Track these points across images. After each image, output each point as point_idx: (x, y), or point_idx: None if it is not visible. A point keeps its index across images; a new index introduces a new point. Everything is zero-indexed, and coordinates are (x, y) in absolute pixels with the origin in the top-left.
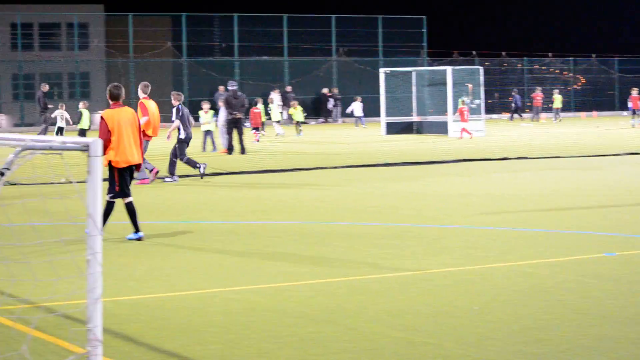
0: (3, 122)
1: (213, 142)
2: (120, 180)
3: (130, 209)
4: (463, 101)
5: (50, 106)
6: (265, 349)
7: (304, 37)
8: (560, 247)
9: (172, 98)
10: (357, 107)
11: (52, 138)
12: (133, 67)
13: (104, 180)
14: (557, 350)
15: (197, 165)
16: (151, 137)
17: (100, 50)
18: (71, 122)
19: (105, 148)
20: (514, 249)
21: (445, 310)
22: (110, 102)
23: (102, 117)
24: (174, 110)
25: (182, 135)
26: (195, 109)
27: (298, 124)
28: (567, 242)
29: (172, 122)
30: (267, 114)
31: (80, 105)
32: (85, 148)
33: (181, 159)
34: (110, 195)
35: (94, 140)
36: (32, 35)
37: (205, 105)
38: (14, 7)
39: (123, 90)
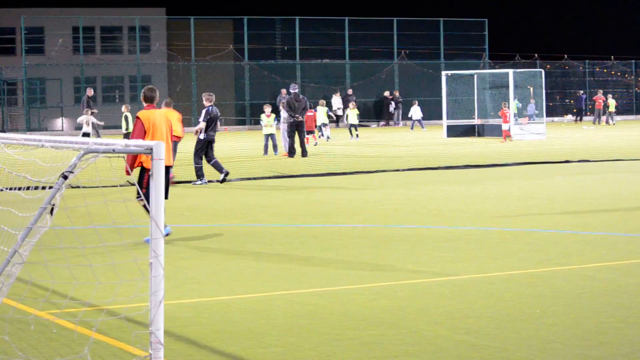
0: (65, 125)
1: (275, 145)
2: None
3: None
4: (505, 103)
5: (94, 110)
6: (326, 352)
7: (365, 40)
8: (622, 251)
9: (204, 99)
10: (415, 111)
11: (115, 141)
12: (195, 71)
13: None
14: (619, 354)
15: (201, 176)
16: (180, 137)
17: (162, 53)
18: (101, 124)
19: None
20: (576, 252)
21: (508, 313)
22: (144, 104)
23: (137, 117)
24: (204, 111)
25: (202, 136)
26: (256, 112)
27: (352, 127)
28: (630, 246)
29: (199, 122)
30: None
31: (123, 108)
32: (149, 151)
33: (195, 160)
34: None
35: (157, 143)
36: (93, 38)
37: (267, 109)
38: (76, 11)
39: (157, 93)
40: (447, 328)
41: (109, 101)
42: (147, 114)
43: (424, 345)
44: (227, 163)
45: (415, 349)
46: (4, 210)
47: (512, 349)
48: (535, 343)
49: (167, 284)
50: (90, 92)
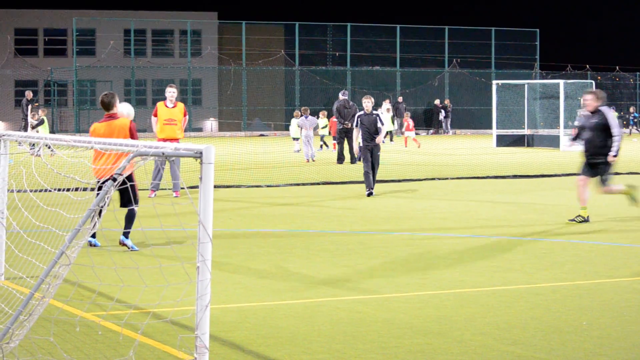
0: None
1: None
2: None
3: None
4: (407, 114)
5: (33, 113)
6: None
7: (416, 48)
8: None
9: (370, 102)
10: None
11: (165, 144)
12: (245, 75)
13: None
14: None
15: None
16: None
17: (213, 57)
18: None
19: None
20: (624, 264)
21: (554, 325)
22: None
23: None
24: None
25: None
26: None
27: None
28: None
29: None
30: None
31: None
32: (198, 155)
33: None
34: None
35: (207, 147)
36: (145, 41)
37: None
38: (127, 13)
39: (115, 99)
40: (494, 338)
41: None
42: (95, 128)
43: (469, 355)
44: (277, 168)
45: (461, 359)
46: (53, 211)
47: None
48: (581, 355)
49: (214, 288)
50: (29, 95)
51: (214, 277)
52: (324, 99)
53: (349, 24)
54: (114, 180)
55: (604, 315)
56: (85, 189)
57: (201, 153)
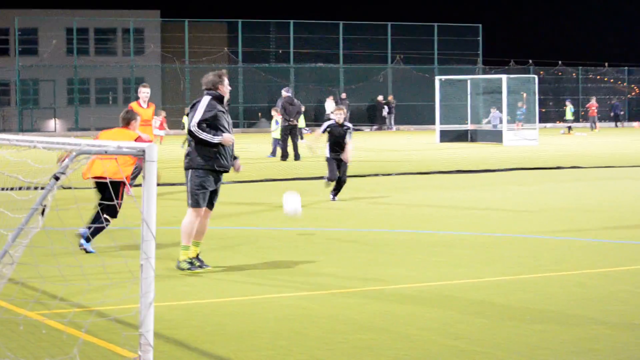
0: (58, 126)
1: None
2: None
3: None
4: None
5: None
6: (317, 356)
7: (359, 44)
8: (614, 258)
9: (342, 115)
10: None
11: (108, 143)
12: (188, 73)
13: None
14: None
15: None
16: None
17: (156, 55)
18: None
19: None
20: (568, 258)
21: (498, 319)
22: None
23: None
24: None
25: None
26: (250, 115)
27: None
28: (622, 253)
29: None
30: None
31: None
32: (141, 153)
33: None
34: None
35: (150, 146)
36: (87, 40)
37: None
38: (70, 12)
39: (133, 114)
40: (438, 333)
41: (102, 103)
42: (103, 134)
43: (415, 350)
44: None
45: (405, 354)
46: None
47: (501, 355)
48: (525, 349)
49: (158, 285)
50: None
51: (158, 275)
52: (267, 96)
53: (291, 21)
54: (57, 179)
55: (547, 309)
56: (28, 188)
57: (144, 151)
